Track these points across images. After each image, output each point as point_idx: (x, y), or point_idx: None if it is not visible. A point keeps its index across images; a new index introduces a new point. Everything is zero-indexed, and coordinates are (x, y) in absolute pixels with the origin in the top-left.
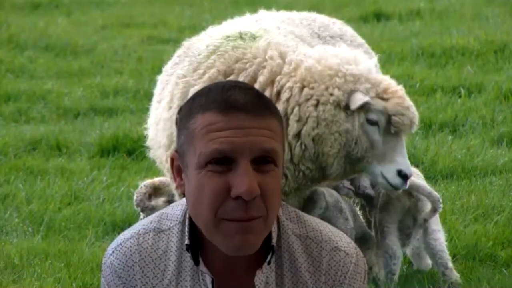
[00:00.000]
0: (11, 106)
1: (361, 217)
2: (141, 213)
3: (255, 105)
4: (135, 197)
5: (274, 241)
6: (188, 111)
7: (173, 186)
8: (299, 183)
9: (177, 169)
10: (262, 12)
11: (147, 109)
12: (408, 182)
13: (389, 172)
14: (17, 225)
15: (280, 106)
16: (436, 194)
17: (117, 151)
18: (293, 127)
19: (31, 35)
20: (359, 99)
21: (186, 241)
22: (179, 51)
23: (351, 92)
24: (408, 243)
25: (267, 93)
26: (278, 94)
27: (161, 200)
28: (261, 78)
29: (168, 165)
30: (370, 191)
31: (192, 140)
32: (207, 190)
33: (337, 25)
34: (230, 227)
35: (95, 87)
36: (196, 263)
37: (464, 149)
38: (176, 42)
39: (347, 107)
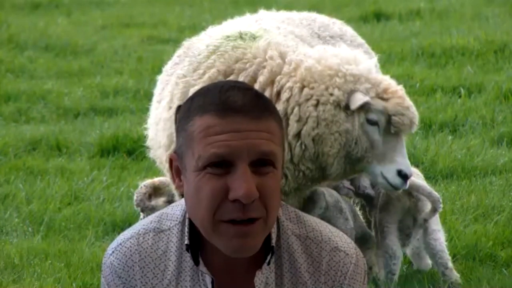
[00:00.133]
0: (11, 106)
1: (361, 217)
2: (141, 213)
3: (253, 106)
4: (135, 197)
5: (273, 241)
6: (186, 112)
7: (173, 186)
8: (299, 183)
9: (176, 170)
10: (262, 12)
11: (147, 109)
12: (408, 182)
13: (389, 172)
14: (17, 225)
15: (280, 106)
16: (436, 194)
17: (117, 151)
18: (293, 127)
19: (31, 35)
20: (359, 99)
21: (186, 241)
22: (179, 51)
23: (351, 92)
24: (408, 243)
25: (267, 93)
26: (278, 94)
27: (161, 200)
28: (261, 78)
29: (168, 165)
30: (370, 191)
31: (191, 142)
32: (205, 192)
33: (337, 25)
34: (229, 230)
35: (95, 87)
36: (196, 263)
37: (464, 149)
38: (176, 42)
39: (347, 107)
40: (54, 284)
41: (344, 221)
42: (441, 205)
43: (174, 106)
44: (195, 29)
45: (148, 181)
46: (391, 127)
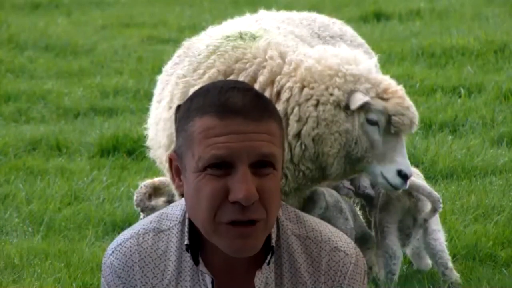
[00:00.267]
0: (11, 106)
1: (361, 217)
2: (141, 213)
3: (253, 108)
4: (135, 197)
5: (273, 241)
6: (186, 113)
7: (173, 186)
8: (299, 183)
9: (176, 170)
10: (262, 12)
11: (147, 109)
12: (408, 182)
13: (389, 172)
14: (17, 225)
15: (280, 106)
16: (436, 194)
17: (117, 151)
18: (293, 127)
19: (31, 35)
20: (359, 99)
21: (186, 241)
22: (179, 51)
23: (351, 92)
24: (408, 243)
25: (267, 93)
26: (278, 94)
27: (161, 200)
28: (261, 78)
29: (168, 165)
30: (370, 191)
31: (190, 143)
32: (205, 193)
33: (337, 25)
34: (230, 232)
35: (95, 87)
36: (196, 263)
37: (464, 149)
38: (176, 42)
39: (347, 107)
40: (54, 284)
41: (344, 221)
42: (441, 205)
43: (174, 106)
44: (195, 29)
45: (148, 181)
46: (391, 127)
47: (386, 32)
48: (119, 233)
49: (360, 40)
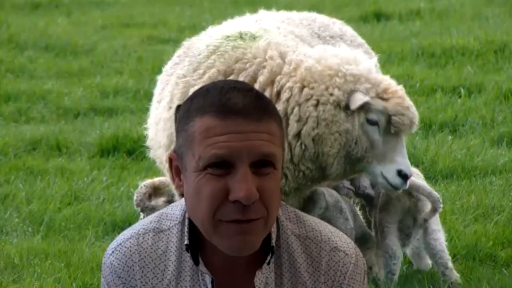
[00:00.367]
0: (11, 106)
1: (361, 217)
2: (141, 213)
3: (254, 108)
4: (135, 197)
5: (273, 241)
6: (186, 113)
7: (173, 186)
8: (299, 183)
9: (176, 170)
10: (262, 12)
11: (147, 109)
12: (408, 182)
13: (389, 172)
14: (17, 225)
15: (280, 106)
16: (436, 194)
17: (117, 151)
18: (293, 127)
19: (31, 35)
20: (359, 99)
21: (186, 241)
22: (179, 51)
23: (351, 92)
24: (408, 243)
25: (267, 93)
26: (278, 94)
27: (161, 200)
28: (261, 78)
29: (168, 165)
30: (370, 191)
31: (191, 143)
32: (206, 192)
33: (337, 25)
34: (229, 229)
35: (95, 87)
36: (196, 263)
37: (464, 149)
38: (176, 42)
39: (347, 107)
40: (54, 284)
41: (344, 221)
42: (441, 205)
43: (174, 106)
44: (195, 29)
45: (148, 181)
46: (391, 127)
47: (386, 32)
48: (119, 233)
49: (360, 40)
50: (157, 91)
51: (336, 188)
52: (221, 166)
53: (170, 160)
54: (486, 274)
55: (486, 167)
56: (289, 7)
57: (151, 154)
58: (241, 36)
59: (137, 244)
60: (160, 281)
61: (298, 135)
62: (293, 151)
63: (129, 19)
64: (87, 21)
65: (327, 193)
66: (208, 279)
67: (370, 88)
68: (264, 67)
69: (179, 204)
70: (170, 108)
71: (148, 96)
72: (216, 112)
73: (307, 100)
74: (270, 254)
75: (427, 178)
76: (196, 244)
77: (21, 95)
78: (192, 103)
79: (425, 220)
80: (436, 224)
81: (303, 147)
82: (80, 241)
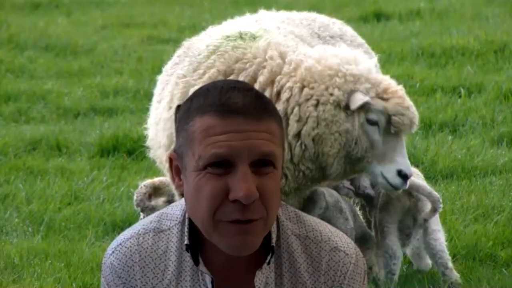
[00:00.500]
0: (11, 106)
1: (361, 217)
2: (141, 213)
3: (254, 108)
4: (135, 197)
5: (273, 241)
6: (186, 112)
7: (173, 186)
8: (299, 183)
9: (176, 169)
10: (262, 12)
11: (147, 109)
12: (408, 182)
13: (389, 172)
14: (17, 225)
15: (280, 106)
16: (436, 194)
17: (117, 151)
18: (293, 127)
19: (31, 35)
20: (359, 99)
21: (186, 241)
22: (179, 51)
23: (351, 92)
24: (408, 243)
25: (267, 93)
26: (278, 94)
27: (161, 200)
28: (261, 78)
29: (168, 165)
30: (370, 191)
31: (191, 143)
32: (205, 192)
33: (337, 25)
34: (229, 229)
35: (95, 87)
36: (196, 263)
37: (464, 149)
38: (176, 42)
39: (347, 107)
40: (54, 284)
41: (344, 221)
42: (441, 205)
43: (174, 106)
44: (195, 29)
45: (148, 181)
46: (391, 127)
47: (386, 32)
48: (119, 233)
49: (360, 40)
50: (157, 91)
51: (336, 188)
52: (221, 165)
53: (170, 160)
54: (486, 274)
55: (486, 167)
56: (289, 7)
57: (151, 154)
58: (241, 36)
59: (137, 244)
60: (160, 281)
61: (298, 135)
62: (293, 151)
63: (129, 19)
64: (87, 21)
65: (327, 193)
66: (208, 279)
67: (370, 88)
68: (264, 67)
69: (179, 204)
70: (170, 108)
71: (148, 96)
72: (216, 112)
73: (307, 100)
74: (270, 254)
75: (427, 178)
76: (196, 244)
77: (21, 95)
78: (192, 102)
79: (425, 220)
80: (436, 224)
81: (303, 147)
82: (80, 241)
